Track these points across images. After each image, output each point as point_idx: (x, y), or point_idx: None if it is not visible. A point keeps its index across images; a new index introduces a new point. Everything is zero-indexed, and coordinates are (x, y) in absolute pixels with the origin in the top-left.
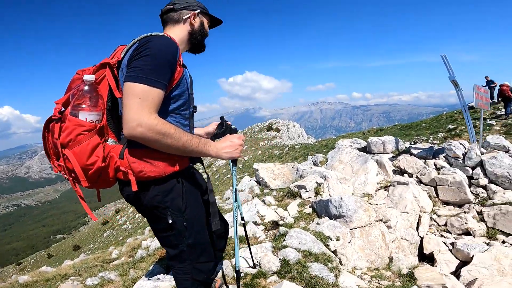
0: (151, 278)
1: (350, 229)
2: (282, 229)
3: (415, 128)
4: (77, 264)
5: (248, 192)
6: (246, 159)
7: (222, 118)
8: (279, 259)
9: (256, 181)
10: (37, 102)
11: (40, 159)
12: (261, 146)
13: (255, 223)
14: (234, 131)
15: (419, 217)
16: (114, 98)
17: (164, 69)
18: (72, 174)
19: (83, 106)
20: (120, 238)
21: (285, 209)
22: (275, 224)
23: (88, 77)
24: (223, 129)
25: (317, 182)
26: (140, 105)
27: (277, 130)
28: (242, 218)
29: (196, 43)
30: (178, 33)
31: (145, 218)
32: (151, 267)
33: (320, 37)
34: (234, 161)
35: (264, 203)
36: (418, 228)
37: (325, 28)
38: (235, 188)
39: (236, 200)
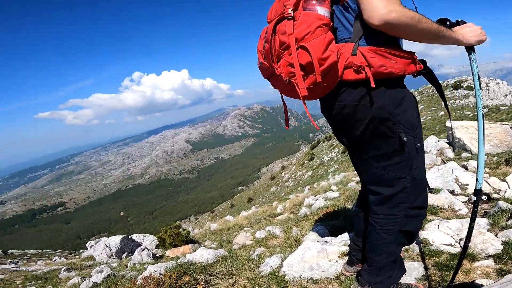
0: (318, 240)
1: None
2: (502, 203)
3: None
4: (250, 215)
5: (435, 154)
6: (422, 120)
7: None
8: (502, 241)
9: (447, 143)
10: (227, 73)
11: (231, 120)
12: (443, 107)
13: (451, 192)
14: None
15: None
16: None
17: None
18: (301, 72)
19: (318, 2)
20: (283, 194)
21: (503, 180)
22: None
23: None
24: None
25: None
26: None
27: (470, 88)
28: None
29: None
30: None
31: (305, 176)
32: (314, 227)
33: None
34: (472, 48)
35: (466, 169)
36: None
37: None
38: (477, 74)
39: (480, 88)
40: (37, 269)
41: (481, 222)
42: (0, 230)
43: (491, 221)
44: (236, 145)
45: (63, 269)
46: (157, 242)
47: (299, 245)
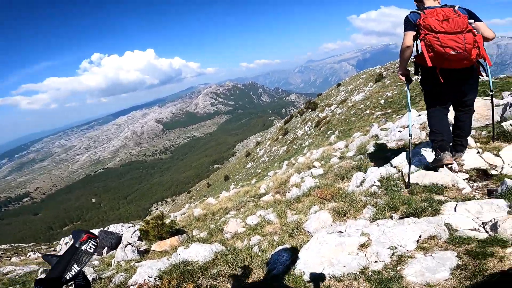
0: (333, 232)
1: None
2: (509, 181)
3: None
4: (233, 197)
5: (419, 128)
6: (389, 94)
7: None
8: None
9: None
10: (196, 52)
11: (203, 98)
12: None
13: (449, 168)
14: None
15: None
16: None
17: None
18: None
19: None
20: (259, 170)
21: (497, 155)
22: (483, 173)
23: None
24: None
25: None
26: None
27: None
28: None
29: None
30: None
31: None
32: (313, 211)
33: None
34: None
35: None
36: None
37: None
38: None
39: None
40: (12, 270)
41: (501, 204)
42: None
43: (508, 202)
44: (209, 123)
45: (40, 270)
46: (139, 234)
47: (301, 233)
